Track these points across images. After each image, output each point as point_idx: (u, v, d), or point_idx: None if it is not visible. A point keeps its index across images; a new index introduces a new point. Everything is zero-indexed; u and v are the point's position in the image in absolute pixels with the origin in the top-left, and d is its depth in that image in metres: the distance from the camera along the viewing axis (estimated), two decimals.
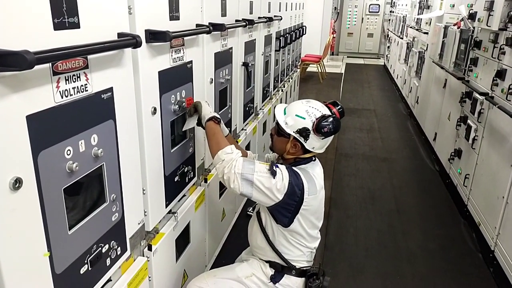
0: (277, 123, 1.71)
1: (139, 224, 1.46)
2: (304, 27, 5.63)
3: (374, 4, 11.96)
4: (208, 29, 1.81)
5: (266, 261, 1.76)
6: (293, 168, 1.63)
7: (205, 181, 2.17)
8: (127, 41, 1.17)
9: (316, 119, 1.61)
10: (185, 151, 1.84)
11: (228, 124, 2.52)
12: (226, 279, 1.76)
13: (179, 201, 1.85)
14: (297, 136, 1.64)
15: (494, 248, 2.54)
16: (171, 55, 1.60)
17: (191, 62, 1.80)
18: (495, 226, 2.54)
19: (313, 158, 1.74)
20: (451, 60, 3.78)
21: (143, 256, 1.55)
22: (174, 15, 1.58)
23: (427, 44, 5.09)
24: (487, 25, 2.88)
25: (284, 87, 4.70)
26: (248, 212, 3.07)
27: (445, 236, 3.00)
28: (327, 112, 1.65)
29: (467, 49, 3.38)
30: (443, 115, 4.02)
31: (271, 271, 1.74)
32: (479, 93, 2.95)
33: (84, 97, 1.08)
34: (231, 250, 2.65)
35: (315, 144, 1.65)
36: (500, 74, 2.67)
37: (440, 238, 2.98)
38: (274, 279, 1.72)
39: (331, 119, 1.60)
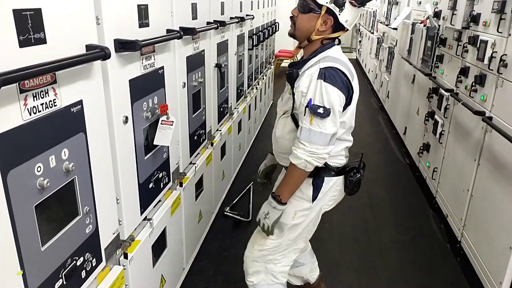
0: None
1: (113, 234, 1.46)
2: (277, 24, 5.66)
3: None
4: (178, 34, 1.80)
5: None
6: (327, 68, 1.51)
7: (181, 185, 2.18)
8: (96, 53, 1.17)
9: None
10: (159, 156, 1.84)
11: (203, 126, 2.52)
12: (281, 236, 1.76)
13: (154, 206, 1.85)
14: (331, 6, 1.52)
15: (461, 238, 2.66)
16: (142, 63, 1.60)
17: (162, 67, 1.79)
18: (461, 217, 2.67)
19: (337, 41, 1.66)
20: (418, 57, 3.90)
21: (119, 265, 1.55)
22: (143, 22, 1.57)
23: (396, 40, 5.22)
24: (451, 23, 2.99)
25: (258, 84, 4.72)
26: (225, 212, 3.10)
27: (416, 228, 3.12)
28: None
29: (433, 46, 3.50)
30: (412, 110, 4.15)
31: (309, 190, 1.69)
32: (445, 90, 3.07)
33: (53, 112, 1.07)
34: (209, 251, 2.68)
35: (348, 16, 1.56)
36: (464, 72, 2.79)
37: (411, 230, 3.09)
38: (316, 192, 1.69)
39: None
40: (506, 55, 2.21)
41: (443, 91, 3.11)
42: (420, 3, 4.27)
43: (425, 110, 3.62)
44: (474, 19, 2.67)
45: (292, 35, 1.69)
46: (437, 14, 3.37)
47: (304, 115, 1.52)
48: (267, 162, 2.07)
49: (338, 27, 1.59)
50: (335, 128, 1.52)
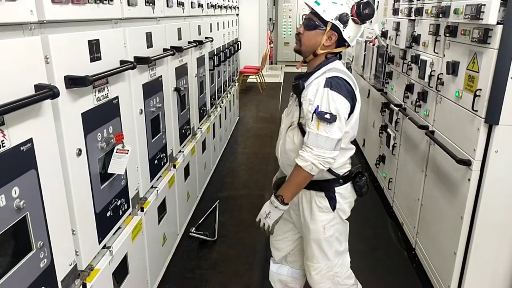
0: (311, 16, 1.75)
1: (70, 265, 1.48)
2: (239, 43, 5.79)
3: (306, 14, 12.45)
4: (132, 65, 1.86)
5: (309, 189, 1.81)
6: (333, 77, 1.65)
7: (142, 210, 2.20)
8: (44, 93, 1.21)
9: (354, 3, 1.69)
10: (116, 184, 1.87)
11: (163, 149, 2.57)
12: (326, 254, 1.89)
13: (114, 234, 1.88)
14: (336, 23, 1.68)
15: (415, 246, 2.82)
16: (95, 95, 1.64)
17: (117, 97, 1.84)
18: (414, 226, 2.82)
19: (339, 56, 1.81)
20: (371, 73, 4.11)
21: None
22: (95, 56, 1.63)
23: (353, 56, 5.46)
24: (395, 43, 3.20)
25: (222, 103, 4.80)
26: (190, 233, 3.13)
27: (375, 236, 3.26)
28: None
29: (384, 64, 3.71)
30: (369, 123, 4.34)
31: (326, 202, 1.81)
32: (395, 105, 3.26)
33: (1, 153, 1.11)
34: (174, 274, 2.70)
35: (351, 32, 1.71)
36: (409, 88, 2.98)
37: (370, 239, 3.22)
38: (333, 202, 1.82)
39: (369, 3, 1.68)
40: (442, 73, 2.39)
41: (393, 106, 3.30)
42: (371, 21, 4.51)
43: (379, 124, 3.81)
44: (415, 39, 2.88)
45: (298, 51, 1.83)
46: (384, 34, 3.59)
47: (312, 120, 1.65)
48: (278, 175, 2.15)
49: (341, 43, 1.75)
50: (340, 134, 1.65)
